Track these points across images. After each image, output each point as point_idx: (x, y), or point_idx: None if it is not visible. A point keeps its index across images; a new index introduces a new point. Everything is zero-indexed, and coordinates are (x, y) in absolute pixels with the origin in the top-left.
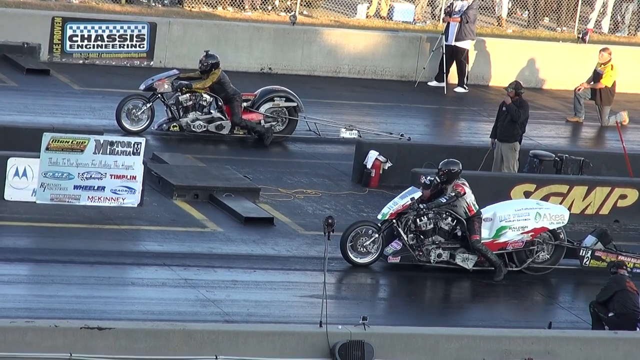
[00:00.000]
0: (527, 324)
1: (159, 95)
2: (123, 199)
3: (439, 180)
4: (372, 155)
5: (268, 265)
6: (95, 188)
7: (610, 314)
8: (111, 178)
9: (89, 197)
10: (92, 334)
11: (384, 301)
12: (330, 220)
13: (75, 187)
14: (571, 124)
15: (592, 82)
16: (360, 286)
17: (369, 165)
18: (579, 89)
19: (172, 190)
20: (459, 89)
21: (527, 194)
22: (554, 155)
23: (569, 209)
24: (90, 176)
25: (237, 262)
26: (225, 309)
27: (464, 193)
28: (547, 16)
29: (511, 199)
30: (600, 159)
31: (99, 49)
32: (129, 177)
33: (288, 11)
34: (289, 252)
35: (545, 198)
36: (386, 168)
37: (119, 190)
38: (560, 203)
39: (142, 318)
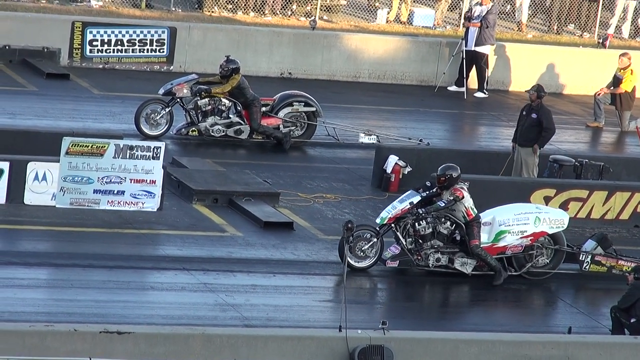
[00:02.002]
0: (553, 329)
1: (178, 99)
2: (143, 203)
3: (436, 186)
4: (392, 160)
5: (287, 269)
6: (115, 192)
7: (633, 320)
8: (131, 182)
9: (108, 201)
10: (112, 338)
11: (403, 306)
12: (349, 225)
13: (95, 191)
14: (591, 129)
15: (612, 87)
16: (380, 291)
17: (388, 170)
18: (599, 94)
19: (192, 194)
20: (479, 94)
21: (547, 199)
22: (574, 160)
23: (589, 214)
24: (110, 180)
25: (256, 267)
26: (245, 313)
27: (462, 197)
28: (570, 23)
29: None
30: (621, 164)
31: (119, 53)
32: (148, 181)
33: (308, 16)
34: (308, 256)
35: (565, 203)
36: (406, 173)
37: (138, 195)
38: (580, 208)
39: (161, 322)
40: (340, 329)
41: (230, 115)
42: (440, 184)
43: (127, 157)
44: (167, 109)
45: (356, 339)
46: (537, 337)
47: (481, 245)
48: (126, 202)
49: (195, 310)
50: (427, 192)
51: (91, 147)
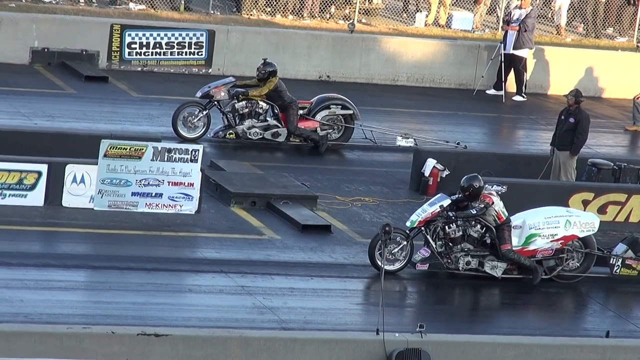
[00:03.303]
0: (584, 332)
1: (216, 102)
2: (180, 206)
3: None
4: (430, 163)
5: (325, 272)
6: (153, 195)
7: None
8: (169, 185)
9: (146, 203)
10: (149, 340)
11: (435, 309)
12: (387, 228)
13: (133, 193)
14: (630, 132)
15: None
16: (411, 294)
17: (426, 173)
18: (638, 98)
19: (230, 197)
20: (517, 98)
21: (586, 203)
22: (612, 164)
23: (627, 217)
24: (148, 183)
25: (294, 270)
26: (282, 316)
27: (492, 202)
28: (609, 26)
29: (569, 207)
30: None
31: (158, 56)
32: (186, 184)
33: (346, 19)
34: (346, 259)
35: (604, 207)
36: (444, 176)
37: (176, 197)
38: (619, 212)
39: (199, 325)
40: (378, 332)
41: (268, 118)
42: (467, 197)
43: (165, 159)
44: (205, 112)
45: (394, 342)
46: (575, 340)
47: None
48: (164, 204)
49: (233, 313)
50: (458, 196)
51: (129, 149)
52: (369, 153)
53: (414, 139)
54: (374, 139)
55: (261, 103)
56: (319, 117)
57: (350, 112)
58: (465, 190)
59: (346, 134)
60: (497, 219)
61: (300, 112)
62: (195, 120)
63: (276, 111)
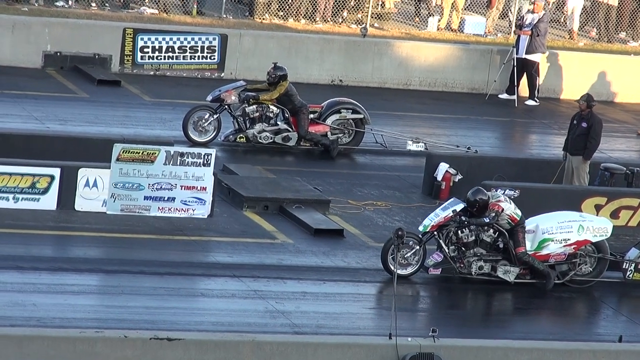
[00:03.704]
0: (597, 337)
1: (226, 106)
2: (193, 210)
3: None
4: (443, 167)
5: (338, 277)
6: (166, 199)
7: None
8: (181, 189)
9: (159, 208)
10: (162, 344)
11: (448, 313)
12: (400, 232)
13: (146, 197)
14: None
15: None
16: (424, 298)
17: (439, 178)
18: None
19: (242, 201)
20: (530, 102)
21: (598, 207)
22: (625, 169)
23: None
24: (161, 187)
25: (306, 274)
26: (295, 320)
27: (502, 210)
28: (622, 31)
29: (582, 212)
30: None
31: (170, 60)
32: (199, 188)
33: (359, 23)
34: (358, 264)
35: (616, 211)
36: (456, 180)
37: (189, 202)
38: (632, 217)
39: (211, 329)
40: (390, 336)
41: (278, 122)
42: (476, 211)
43: (178, 163)
44: (215, 116)
45: (406, 347)
46: (588, 345)
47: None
48: (177, 208)
49: (245, 317)
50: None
51: (142, 153)
52: (380, 157)
53: (425, 143)
54: (385, 143)
55: (272, 107)
56: (329, 121)
57: (361, 116)
58: (472, 205)
59: (357, 138)
60: (510, 221)
61: (311, 116)
62: (205, 124)
63: (287, 115)
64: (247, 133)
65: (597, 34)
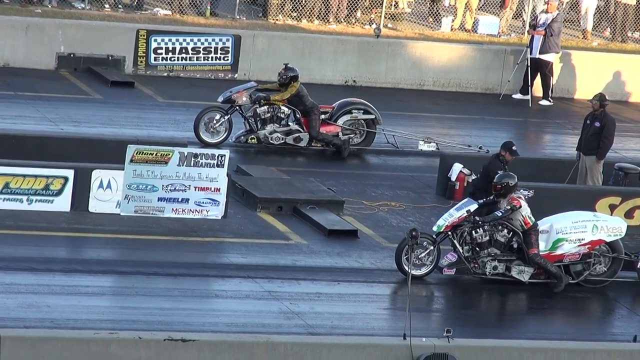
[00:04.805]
0: (612, 337)
1: (237, 107)
2: (207, 211)
3: (493, 195)
4: (457, 167)
5: (352, 277)
6: (179, 200)
7: None
8: (195, 190)
9: (173, 209)
10: (176, 345)
11: (462, 313)
12: (414, 233)
13: (160, 199)
14: None
15: None
16: (438, 298)
17: (453, 178)
18: None
19: (256, 202)
20: (544, 102)
21: (612, 207)
22: (639, 168)
23: None
24: (175, 188)
25: (320, 275)
26: (309, 321)
27: (520, 206)
28: (636, 30)
29: (596, 211)
30: None
31: (184, 61)
32: (213, 189)
33: (372, 24)
34: (373, 264)
35: (631, 211)
36: (470, 181)
37: (203, 203)
38: None
39: (225, 330)
40: (405, 336)
41: (290, 123)
42: (497, 192)
43: (192, 164)
44: (227, 117)
45: (421, 347)
46: (602, 345)
47: (539, 254)
48: (190, 210)
49: (259, 318)
50: (484, 200)
51: (156, 154)
52: (394, 158)
53: (436, 144)
54: (396, 143)
55: (283, 108)
56: (340, 121)
57: (372, 116)
58: (497, 185)
59: (368, 138)
60: (523, 224)
61: (322, 116)
62: (217, 125)
63: (298, 116)
64: (259, 134)
65: (611, 34)
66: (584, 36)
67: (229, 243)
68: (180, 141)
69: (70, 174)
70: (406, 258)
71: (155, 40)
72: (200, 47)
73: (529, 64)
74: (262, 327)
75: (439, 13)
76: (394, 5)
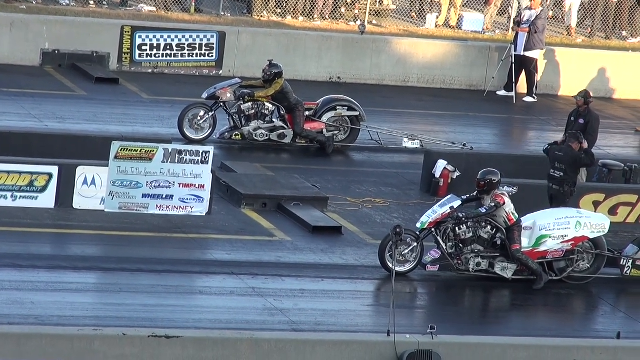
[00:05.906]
0: (595, 333)
1: (222, 103)
2: (191, 208)
3: (476, 192)
4: (441, 164)
5: (336, 274)
6: (164, 197)
7: None
8: (179, 187)
9: (157, 205)
10: (160, 342)
11: (445, 310)
12: (398, 230)
13: (144, 195)
14: None
15: None
16: (421, 295)
17: (437, 175)
18: None
19: (241, 199)
20: (528, 99)
21: (596, 204)
22: (623, 165)
23: (638, 218)
24: (159, 185)
25: (305, 271)
26: (293, 317)
27: (504, 203)
28: (622, 29)
29: (580, 208)
30: None
31: (168, 58)
32: (197, 185)
33: (357, 20)
34: (357, 261)
35: (615, 208)
36: (455, 177)
37: (187, 199)
38: (630, 213)
39: (209, 327)
40: (389, 333)
41: (274, 120)
42: (480, 188)
43: (176, 161)
44: (211, 113)
45: (405, 344)
46: (586, 342)
47: (522, 250)
48: (175, 206)
49: (243, 315)
50: (468, 196)
51: (140, 151)
52: (378, 154)
53: (420, 141)
54: (380, 140)
55: (267, 104)
56: (325, 118)
57: (357, 113)
58: (481, 181)
59: (352, 135)
60: (507, 220)
61: (307, 113)
62: (201, 122)
63: (282, 112)
64: (243, 130)
65: (591, 30)
66: (569, 33)
67: (213, 240)
68: (164, 138)
69: (54, 170)
70: (390, 255)
71: (140, 37)
72: (184, 44)
73: (513, 61)
74: (246, 323)
75: (423, 9)
76: (379, 2)
